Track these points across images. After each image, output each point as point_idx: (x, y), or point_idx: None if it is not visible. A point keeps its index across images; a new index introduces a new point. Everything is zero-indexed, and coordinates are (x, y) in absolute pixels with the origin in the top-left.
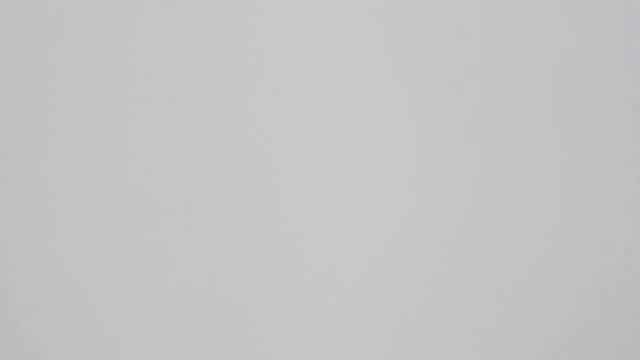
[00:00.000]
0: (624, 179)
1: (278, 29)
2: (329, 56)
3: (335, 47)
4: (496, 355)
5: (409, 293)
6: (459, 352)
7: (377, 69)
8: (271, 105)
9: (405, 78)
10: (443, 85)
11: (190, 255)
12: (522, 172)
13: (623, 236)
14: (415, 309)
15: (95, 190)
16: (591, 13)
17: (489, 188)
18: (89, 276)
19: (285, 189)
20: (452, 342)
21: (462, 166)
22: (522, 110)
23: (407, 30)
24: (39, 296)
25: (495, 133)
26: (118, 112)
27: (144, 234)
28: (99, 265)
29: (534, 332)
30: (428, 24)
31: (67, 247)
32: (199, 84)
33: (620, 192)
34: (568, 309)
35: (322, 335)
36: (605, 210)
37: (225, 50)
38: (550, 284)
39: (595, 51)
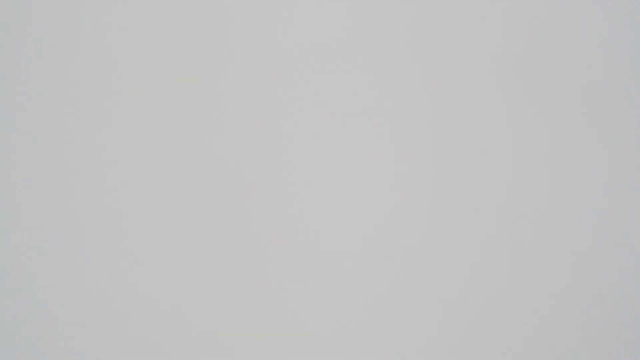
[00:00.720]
0: (624, 178)
1: (278, 29)
2: (328, 57)
3: (336, 49)
4: (486, 351)
5: (407, 292)
6: (460, 353)
7: (377, 68)
8: (269, 105)
9: (404, 76)
10: (443, 85)
11: (189, 256)
12: (520, 170)
13: (623, 235)
14: (414, 309)
15: (97, 190)
16: (594, 13)
17: (487, 187)
18: (89, 275)
19: (283, 189)
20: (451, 344)
21: (461, 166)
22: (521, 110)
23: (409, 29)
24: (39, 296)
25: (495, 132)
26: (118, 112)
27: (144, 233)
28: (100, 265)
29: (532, 331)
30: (433, 21)
31: (67, 248)
32: (199, 84)
33: (620, 192)
34: (566, 307)
35: (321, 333)
36: (605, 209)
37: (225, 50)
38: (550, 283)
39: (596, 51)
